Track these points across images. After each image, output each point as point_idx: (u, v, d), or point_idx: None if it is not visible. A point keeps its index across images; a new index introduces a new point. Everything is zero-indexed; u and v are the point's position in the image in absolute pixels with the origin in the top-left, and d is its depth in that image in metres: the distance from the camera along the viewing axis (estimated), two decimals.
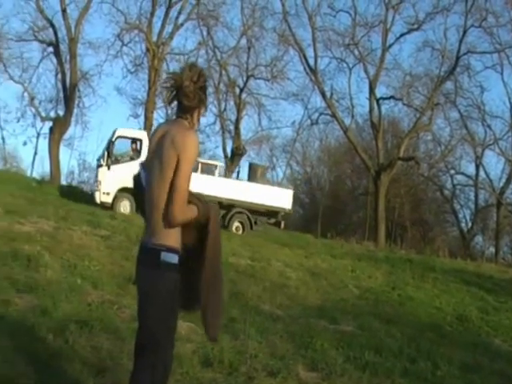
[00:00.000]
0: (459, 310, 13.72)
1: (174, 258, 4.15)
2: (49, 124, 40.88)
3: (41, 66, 43.24)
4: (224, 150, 43.47)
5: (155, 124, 37.96)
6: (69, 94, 37.58)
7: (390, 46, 40.49)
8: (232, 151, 41.67)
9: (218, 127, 44.21)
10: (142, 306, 4.27)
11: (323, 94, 39.89)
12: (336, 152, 58.38)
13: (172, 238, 4.16)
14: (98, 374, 6.01)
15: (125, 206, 24.78)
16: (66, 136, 41.58)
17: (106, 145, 27.38)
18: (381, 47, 40.22)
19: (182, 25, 39.87)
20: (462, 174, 49.66)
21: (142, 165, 4.52)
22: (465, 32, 38.24)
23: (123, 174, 24.40)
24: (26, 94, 43.79)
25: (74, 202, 22.91)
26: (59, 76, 40.60)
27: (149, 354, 4.16)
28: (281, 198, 26.73)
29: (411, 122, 43.16)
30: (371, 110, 39.78)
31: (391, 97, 41.59)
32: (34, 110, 42.84)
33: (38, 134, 45.89)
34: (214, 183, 26.48)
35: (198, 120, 4.39)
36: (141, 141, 25.87)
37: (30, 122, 44.25)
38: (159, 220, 4.14)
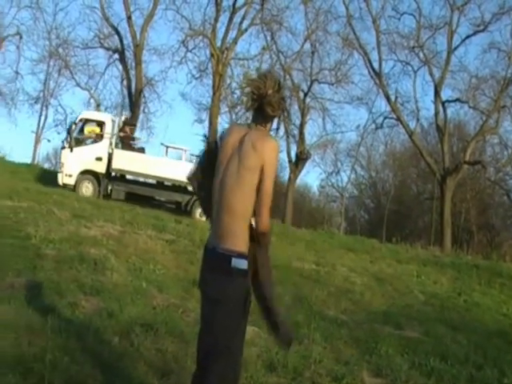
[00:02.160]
0: None
1: (244, 264, 4.11)
2: None
3: (106, 72, 44.37)
4: (288, 154, 43.53)
5: (219, 129, 38.21)
6: (134, 100, 38.05)
7: (456, 48, 39.93)
8: (296, 156, 41.66)
9: (282, 132, 44.23)
10: (210, 313, 4.22)
11: (388, 98, 39.56)
12: (401, 156, 58.07)
13: (242, 242, 4.13)
14: (162, 376, 6.06)
15: (87, 188, 25.02)
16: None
17: (67, 127, 27.77)
18: (446, 49, 39.68)
19: (245, 30, 40.06)
20: None
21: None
22: None
23: (86, 157, 24.85)
24: (92, 100, 44.73)
25: (140, 206, 23.13)
26: (125, 82, 41.35)
27: (218, 361, 4.13)
28: None
29: (477, 125, 42.56)
30: (436, 114, 39.26)
31: (457, 100, 41.00)
32: None
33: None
34: (180, 167, 26.00)
35: (271, 128, 4.36)
36: (104, 123, 26.18)
37: None
38: (231, 224, 4.12)
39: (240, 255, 4.10)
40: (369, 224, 59.16)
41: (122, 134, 27.42)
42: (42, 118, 51.97)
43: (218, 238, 4.18)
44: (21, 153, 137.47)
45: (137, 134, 34.58)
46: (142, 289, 9.69)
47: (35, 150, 53.35)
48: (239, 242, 4.11)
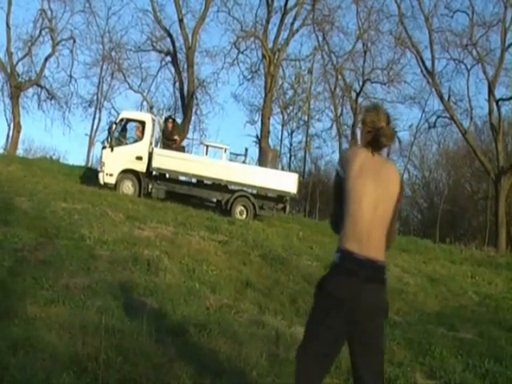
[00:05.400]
0: None
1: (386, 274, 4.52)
2: None
3: (159, 75, 44.72)
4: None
5: (272, 130, 38.22)
6: (186, 102, 38.17)
7: (510, 45, 38.99)
8: None
9: (334, 132, 44.15)
10: (372, 325, 4.43)
11: (441, 97, 39.07)
12: (455, 155, 57.28)
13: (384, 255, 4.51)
14: (215, 376, 6.06)
15: (127, 187, 25.17)
16: (185, 143, 42.49)
17: (108, 127, 28.30)
18: (500, 47, 39.01)
19: (297, 30, 40.04)
20: None
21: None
22: None
23: (126, 156, 25.11)
24: (145, 103, 45.06)
25: (194, 208, 23.18)
26: (177, 84, 41.50)
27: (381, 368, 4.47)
28: (285, 182, 26.03)
29: None
30: (490, 112, 38.60)
31: (511, 98, 40.38)
32: None
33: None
34: (217, 165, 26.21)
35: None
36: (144, 123, 26.17)
37: None
38: (382, 239, 4.46)
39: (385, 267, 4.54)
40: (422, 224, 58.45)
41: (171, 135, 27.76)
42: (96, 121, 52.46)
43: (373, 250, 4.43)
44: (75, 155, 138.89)
45: (190, 135, 34.89)
46: (195, 289, 9.74)
47: (89, 153, 53.88)
48: (384, 254, 4.50)
